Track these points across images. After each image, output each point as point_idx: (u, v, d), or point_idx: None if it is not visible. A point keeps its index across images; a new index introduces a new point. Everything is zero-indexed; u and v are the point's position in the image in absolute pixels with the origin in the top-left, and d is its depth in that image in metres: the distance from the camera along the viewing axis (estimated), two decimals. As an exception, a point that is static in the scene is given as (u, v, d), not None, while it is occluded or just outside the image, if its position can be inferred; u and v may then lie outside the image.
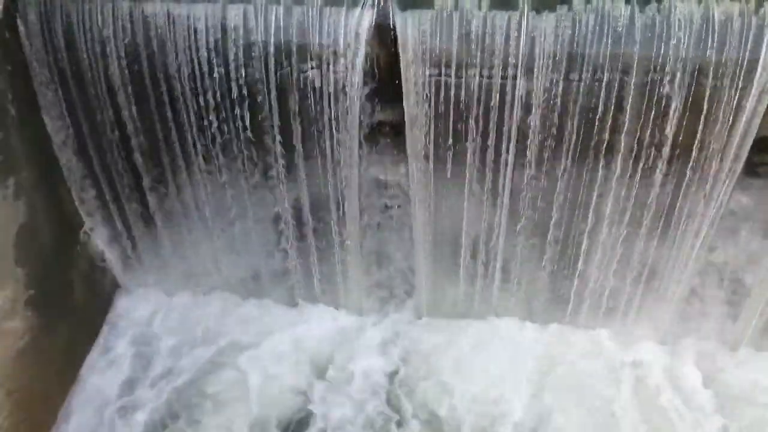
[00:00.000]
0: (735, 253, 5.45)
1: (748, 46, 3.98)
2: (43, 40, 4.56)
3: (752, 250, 5.36)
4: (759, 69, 4.00)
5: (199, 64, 4.50)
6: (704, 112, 4.29)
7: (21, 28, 4.52)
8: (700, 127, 4.37)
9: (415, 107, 4.49)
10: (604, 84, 4.27)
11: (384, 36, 4.30)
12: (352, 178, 5.08)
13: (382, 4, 4.20)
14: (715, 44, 4.02)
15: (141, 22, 4.38)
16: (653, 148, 4.55)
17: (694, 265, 5.31)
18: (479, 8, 4.14)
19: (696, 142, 4.45)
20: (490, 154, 4.74)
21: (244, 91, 4.61)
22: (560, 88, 4.31)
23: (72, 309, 6.12)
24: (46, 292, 5.59)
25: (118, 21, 4.39)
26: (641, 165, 4.69)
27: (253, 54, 4.39)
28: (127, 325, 6.61)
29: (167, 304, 6.77)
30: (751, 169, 4.79)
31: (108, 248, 6.37)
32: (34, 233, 5.39)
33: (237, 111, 4.75)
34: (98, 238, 6.24)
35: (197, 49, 4.42)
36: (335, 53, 4.33)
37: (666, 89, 4.21)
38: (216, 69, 4.50)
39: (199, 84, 4.62)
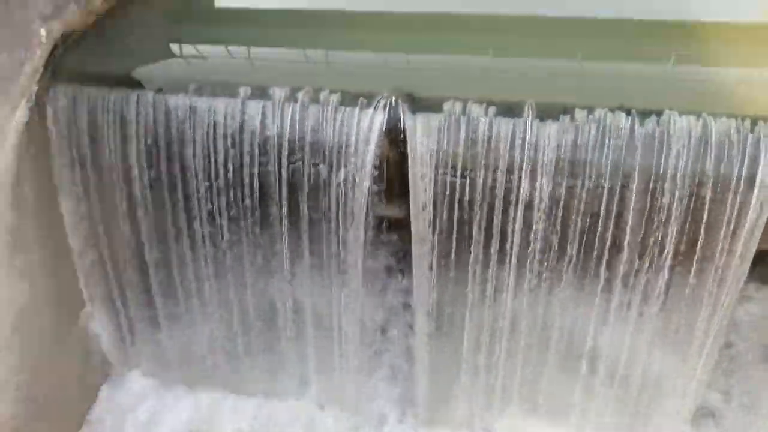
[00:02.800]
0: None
1: (745, 162, 4.11)
2: (69, 125, 4.79)
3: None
4: (757, 184, 4.10)
5: (216, 154, 4.69)
6: (704, 223, 4.36)
7: (50, 112, 4.75)
8: (701, 237, 4.42)
9: (421, 205, 4.59)
10: (605, 191, 4.37)
11: (394, 136, 4.48)
12: (357, 271, 5.10)
13: (393, 106, 4.41)
14: (713, 158, 4.15)
15: (163, 112, 4.60)
16: (654, 256, 4.58)
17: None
18: (485, 114, 4.34)
19: (697, 251, 4.49)
20: (493, 254, 4.78)
21: (256, 183, 4.75)
22: (563, 193, 4.42)
23: (62, 397, 5.92)
24: (38, 377, 5.44)
25: (142, 110, 4.63)
26: (642, 275, 4.70)
27: (267, 148, 4.58)
28: (115, 417, 6.36)
29: (160, 397, 6.55)
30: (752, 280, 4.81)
31: (105, 334, 6.28)
32: (33, 314, 5.33)
33: (247, 201, 4.86)
34: (97, 323, 6.18)
35: (214, 140, 4.62)
36: (346, 151, 4.50)
37: (666, 199, 4.31)
38: (231, 160, 4.67)
39: (213, 173, 4.78)
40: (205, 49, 5.59)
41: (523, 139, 4.27)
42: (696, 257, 4.51)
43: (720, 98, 4.46)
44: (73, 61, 4.97)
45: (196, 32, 5.79)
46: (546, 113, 4.29)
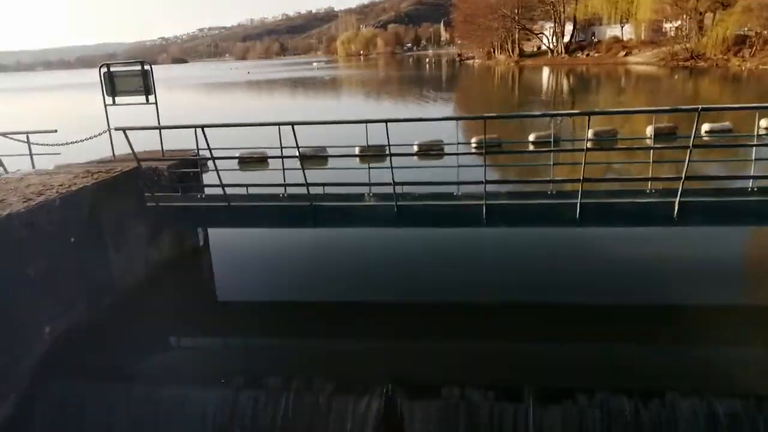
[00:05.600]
0: None
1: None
2: (57, 421, 4.58)
3: None
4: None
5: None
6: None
7: (38, 408, 4.59)
8: None
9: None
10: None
11: (391, 423, 4.29)
12: None
13: (390, 393, 4.32)
14: (727, 441, 3.94)
15: (153, 407, 4.46)
16: None
17: None
18: (485, 398, 4.23)
19: None
20: None
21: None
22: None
23: None
24: None
25: (132, 408, 4.48)
26: None
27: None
28: None
29: None
30: None
31: None
32: None
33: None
34: None
35: (203, 432, 4.38)
36: (342, 441, 4.25)
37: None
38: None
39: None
40: (203, 341, 5.72)
41: (526, 427, 4.09)
42: None
43: (718, 378, 4.45)
44: (70, 354, 5.02)
45: (196, 324, 6.00)
46: (546, 397, 4.21)
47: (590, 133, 7.15)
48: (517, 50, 79.31)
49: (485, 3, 78.51)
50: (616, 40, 66.75)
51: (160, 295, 7.53)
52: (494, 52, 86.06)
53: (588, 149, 6.69)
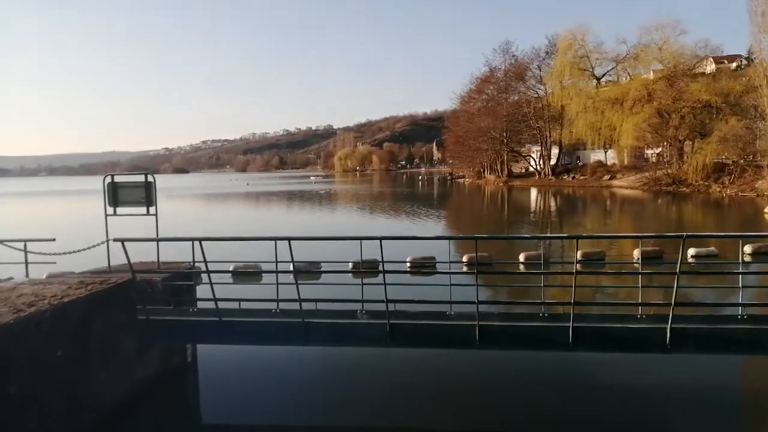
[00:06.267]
0: None
1: None
2: None
3: None
4: None
5: None
6: None
7: None
8: None
9: None
10: None
11: None
12: None
13: None
14: None
15: None
16: None
17: None
18: None
19: None
20: None
21: None
22: None
23: None
24: None
25: None
26: None
27: None
28: None
29: None
30: None
31: None
32: None
33: None
34: None
35: None
36: None
37: None
38: None
39: None
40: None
41: None
42: None
43: None
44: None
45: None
46: None
47: (579, 255, 7.34)
48: (506, 171, 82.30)
49: (475, 126, 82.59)
50: (601, 164, 69.70)
51: (144, 414, 7.26)
52: (484, 171, 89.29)
53: (578, 272, 6.84)
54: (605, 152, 70.42)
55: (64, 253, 9.24)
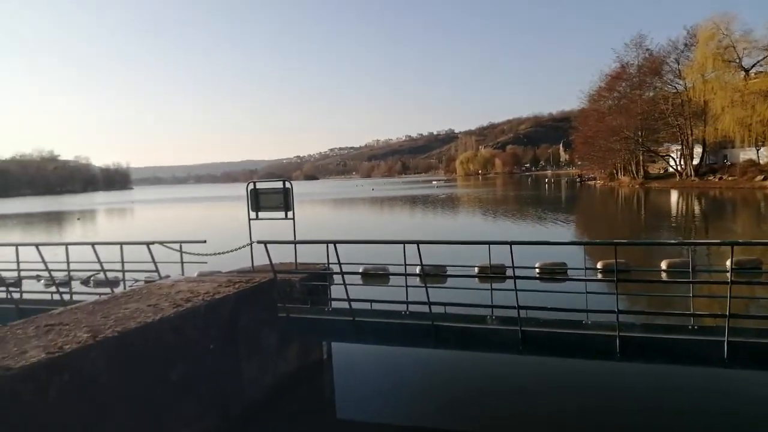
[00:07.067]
0: None
1: None
2: None
3: None
4: None
5: None
6: None
7: None
8: None
9: None
10: None
11: None
12: None
13: None
14: None
15: None
16: None
17: None
18: None
19: None
20: None
21: None
22: None
23: None
24: None
25: None
26: None
27: None
28: None
29: None
30: None
31: None
32: None
33: None
34: None
35: None
36: None
37: None
38: None
39: None
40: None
41: None
42: None
43: None
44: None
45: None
46: None
47: (732, 263, 6.68)
48: (641, 172, 77.04)
49: (606, 125, 78.27)
50: (752, 163, 62.68)
51: (284, 407, 7.70)
52: (617, 173, 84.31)
53: (733, 281, 6.23)
54: (757, 150, 63.30)
55: (215, 254, 10.09)
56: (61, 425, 4.80)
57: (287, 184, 9.50)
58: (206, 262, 10.05)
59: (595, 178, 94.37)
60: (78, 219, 55.26)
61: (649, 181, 73.97)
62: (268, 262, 8.17)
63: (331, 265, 8.50)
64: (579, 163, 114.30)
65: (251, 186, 9.68)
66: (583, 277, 8.40)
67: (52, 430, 4.72)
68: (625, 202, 52.00)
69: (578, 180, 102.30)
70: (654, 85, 76.08)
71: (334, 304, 8.69)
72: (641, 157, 77.34)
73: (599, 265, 13.68)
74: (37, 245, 10.19)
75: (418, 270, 7.92)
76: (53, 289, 10.52)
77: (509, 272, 7.16)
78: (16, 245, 10.80)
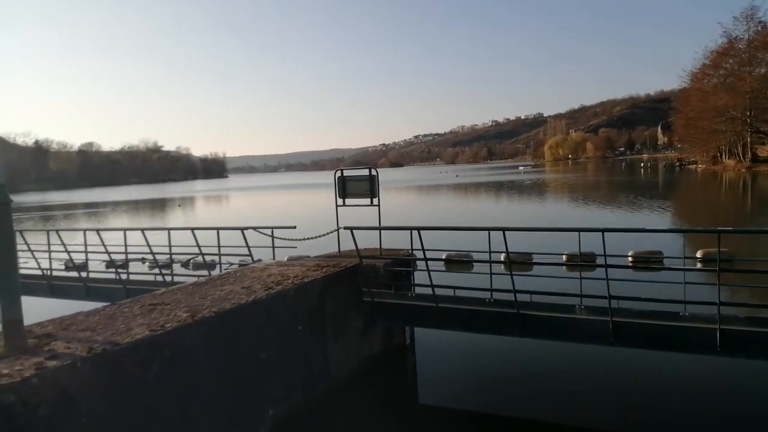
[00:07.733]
0: None
1: None
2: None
3: None
4: None
5: None
6: None
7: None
8: None
9: None
10: None
11: None
12: None
13: None
14: None
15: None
16: None
17: None
18: None
19: None
20: None
21: None
22: None
23: None
24: None
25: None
26: None
27: None
28: None
29: None
30: None
31: None
32: None
33: None
34: None
35: None
36: None
37: None
38: None
39: None
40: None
41: None
42: None
43: None
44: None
45: (401, 426, 6.03)
46: None
47: None
48: (749, 155, 71.27)
49: (711, 105, 72.92)
50: None
51: (367, 390, 7.88)
52: (721, 156, 78.53)
53: None
54: None
55: (304, 239, 10.45)
56: (161, 397, 5.18)
57: (373, 172, 9.64)
58: (296, 247, 10.43)
59: (696, 162, 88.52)
60: (179, 206, 58.97)
61: (757, 164, 68.37)
62: (354, 248, 8.35)
63: (414, 251, 8.55)
64: (679, 146, 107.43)
65: (338, 173, 9.92)
66: (682, 267, 7.93)
67: (154, 401, 5.10)
68: (729, 188, 48.39)
69: (677, 164, 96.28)
70: (766, 61, 69.92)
71: (418, 290, 8.74)
72: (749, 139, 71.48)
73: (699, 254, 12.86)
74: (142, 230, 11.01)
75: (502, 257, 7.80)
76: (156, 270, 11.35)
77: (599, 261, 6.90)
78: (124, 230, 11.72)
